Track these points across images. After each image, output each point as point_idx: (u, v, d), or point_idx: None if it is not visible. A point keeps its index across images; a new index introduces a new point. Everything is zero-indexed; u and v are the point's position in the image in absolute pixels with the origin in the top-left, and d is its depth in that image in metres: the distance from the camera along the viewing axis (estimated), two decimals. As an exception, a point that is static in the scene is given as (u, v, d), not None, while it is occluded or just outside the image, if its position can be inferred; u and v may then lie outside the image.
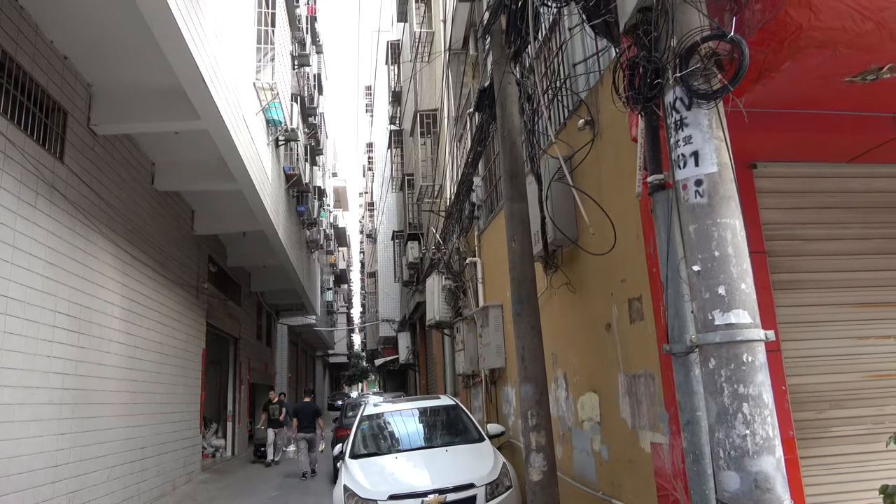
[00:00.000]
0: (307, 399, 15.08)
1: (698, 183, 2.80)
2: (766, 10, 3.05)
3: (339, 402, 29.76)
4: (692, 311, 2.91)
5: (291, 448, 14.65)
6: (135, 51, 7.60)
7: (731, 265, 2.69)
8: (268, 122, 12.25)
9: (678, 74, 2.87)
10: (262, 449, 16.89)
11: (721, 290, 2.67)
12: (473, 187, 10.42)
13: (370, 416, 8.37)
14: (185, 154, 10.63)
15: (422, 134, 15.81)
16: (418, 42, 15.79)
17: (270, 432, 16.61)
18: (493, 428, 8.03)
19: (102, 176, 8.79)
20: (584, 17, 4.41)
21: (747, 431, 2.54)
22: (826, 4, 2.90)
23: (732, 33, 2.78)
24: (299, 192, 17.54)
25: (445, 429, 8.07)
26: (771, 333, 2.68)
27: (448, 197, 12.85)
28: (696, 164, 2.82)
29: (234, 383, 18.44)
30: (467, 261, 11.16)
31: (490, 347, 8.82)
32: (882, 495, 3.09)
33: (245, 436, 19.70)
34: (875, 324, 4.44)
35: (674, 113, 2.93)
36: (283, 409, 16.81)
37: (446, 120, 13.58)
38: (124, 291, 9.65)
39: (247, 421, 20.10)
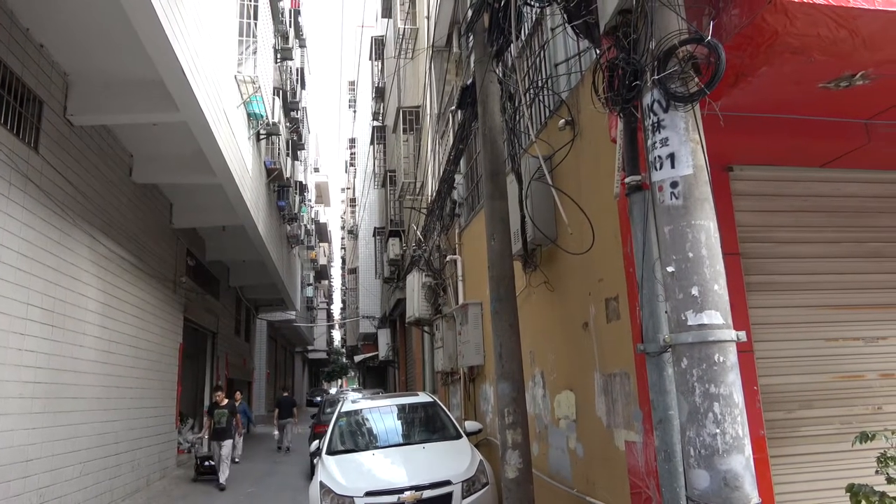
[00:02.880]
0: (286, 394, 19.67)
1: (674, 185, 2.83)
2: (743, 15, 3.09)
3: (318, 399, 29.65)
4: (666, 312, 2.94)
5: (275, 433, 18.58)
6: (113, 41, 7.49)
7: (705, 266, 2.73)
8: (249, 115, 12.14)
9: (656, 77, 2.89)
10: (208, 464, 12.98)
11: (694, 291, 2.71)
12: (455, 185, 10.43)
13: (347, 413, 8.35)
14: (164, 146, 10.50)
15: (404, 130, 15.79)
16: (402, 38, 15.75)
17: (215, 446, 12.62)
18: (471, 425, 8.06)
19: (79, 167, 8.66)
20: (566, 17, 4.43)
21: (717, 430, 2.57)
22: (801, 11, 2.95)
23: (710, 37, 2.81)
24: (280, 187, 17.43)
25: (423, 426, 8.08)
26: (742, 334, 2.72)
27: (429, 194, 12.85)
28: (673, 166, 2.85)
29: (211, 378, 18.27)
30: (448, 258, 11.18)
31: (469, 345, 8.84)
32: (848, 494, 3.16)
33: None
34: (844, 326, 4.53)
35: (651, 115, 2.96)
36: (238, 415, 13.35)
37: (429, 117, 13.57)
38: (100, 285, 9.52)
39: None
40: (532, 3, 5.19)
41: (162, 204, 12.63)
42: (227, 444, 12.57)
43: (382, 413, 8.46)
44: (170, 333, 13.43)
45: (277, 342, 36.59)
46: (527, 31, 6.82)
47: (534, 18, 6.70)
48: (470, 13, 6.14)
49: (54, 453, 7.91)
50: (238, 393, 16.09)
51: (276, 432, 18.80)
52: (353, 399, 9.33)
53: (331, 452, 7.27)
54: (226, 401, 12.89)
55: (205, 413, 13.41)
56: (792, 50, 3.19)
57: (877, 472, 3.28)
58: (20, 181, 7.08)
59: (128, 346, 10.76)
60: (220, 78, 9.44)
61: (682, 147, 2.84)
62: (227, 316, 20.31)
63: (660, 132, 2.91)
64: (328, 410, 13.93)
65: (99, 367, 9.44)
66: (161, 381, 12.68)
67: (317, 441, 8.20)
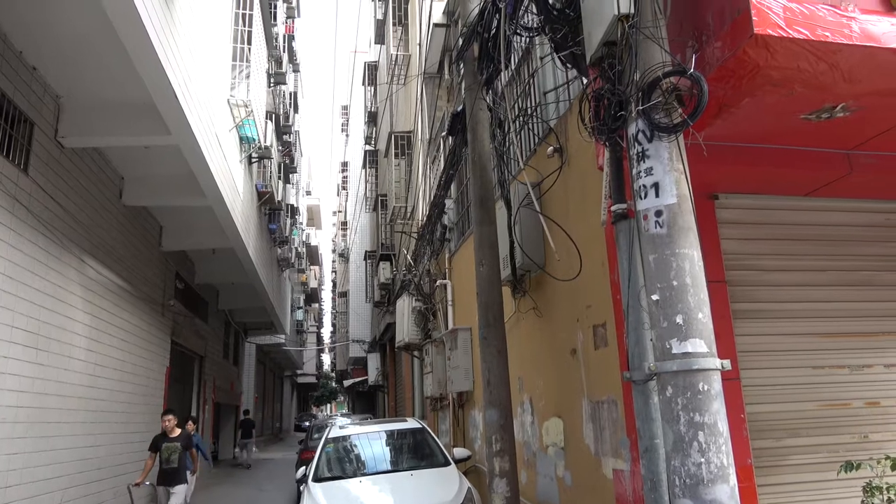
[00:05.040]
0: (247, 416, 22.56)
1: (658, 213, 2.86)
2: (725, 48, 3.15)
3: (307, 424, 29.35)
4: (652, 340, 2.95)
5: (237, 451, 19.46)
6: (106, 64, 7.52)
7: (689, 295, 2.75)
8: (241, 139, 12.18)
9: (640, 107, 2.95)
10: None
11: (679, 319, 2.72)
12: (445, 210, 10.48)
13: (335, 439, 8.26)
14: (154, 169, 10.49)
15: (396, 155, 15.87)
16: (395, 64, 15.92)
17: (161, 493, 8.96)
18: (459, 452, 7.98)
19: (69, 189, 8.63)
20: (554, 47, 4.51)
21: (702, 460, 2.57)
22: (782, 45, 3.01)
23: (693, 70, 2.87)
24: (271, 210, 17.42)
25: (411, 452, 8.00)
26: (727, 363, 2.73)
27: (420, 218, 12.89)
28: (657, 196, 2.89)
29: (198, 403, 18.03)
30: (437, 283, 11.17)
31: (458, 370, 8.81)
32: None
33: (210, 457, 19.25)
34: (830, 354, 4.56)
35: (636, 144, 3.01)
36: (193, 450, 9.48)
37: (420, 142, 13.67)
38: (87, 307, 9.43)
39: (210, 442, 19.65)
40: (521, 32, 5.27)
41: (151, 226, 12.59)
42: (180, 490, 8.83)
43: (370, 439, 8.37)
44: (157, 357, 13.28)
45: (266, 366, 36.24)
46: (516, 60, 6.92)
47: (523, 47, 6.81)
48: (460, 42, 6.23)
49: (35, 479, 7.75)
50: (191, 422, 11.90)
51: (238, 450, 21.14)
52: (340, 425, 9.24)
53: (317, 479, 7.17)
54: (177, 431, 9.02)
55: (150, 448, 9.10)
56: (773, 83, 3.26)
57: (862, 501, 3.28)
58: (8, 203, 7.05)
59: (114, 369, 10.62)
60: (213, 102, 9.49)
61: (667, 176, 2.88)
62: (215, 339, 20.13)
63: (644, 161, 2.95)
64: (316, 436, 13.76)
65: (84, 391, 9.31)
66: (147, 405, 12.50)
67: (303, 468, 8.09)
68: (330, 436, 8.32)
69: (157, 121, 7.93)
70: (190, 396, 17.85)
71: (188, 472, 9.06)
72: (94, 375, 9.73)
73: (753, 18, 2.94)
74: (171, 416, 9.02)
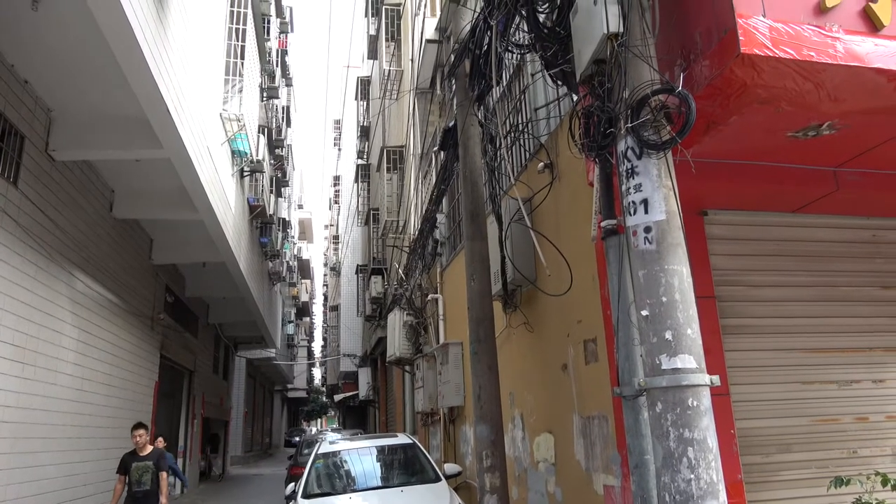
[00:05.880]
0: (215, 433, 23.61)
1: (647, 230, 2.88)
2: (713, 67, 3.20)
3: (296, 439, 29.10)
4: (641, 355, 2.96)
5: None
6: (99, 78, 7.52)
7: (678, 311, 2.77)
8: (233, 152, 12.18)
9: (629, 125, 2.98)
10: None
11: (668, 335, 2.74)
12: (437, 224, 10.49)
13: (325, 455, 8.18)
14: (145, 182, 10.47)
15: (388, 169, 15.91)
16: (387, 79, 16.00)
17: None
18: (450, 468, 7.93)
19: (59, 202, 8.59)
20: (544, 65, 4.55)
21: (692, 476, 2.57)
22: (768, 65, 3.06)
23: (680, 88, 2.91)
24: (263, 224, 17.38)
25: (402, 468, 7.94)
26: (716, 378, 2.74)
27: (412, 233, 12.90)
28: (646, 212, 2.91)
29: (186, 418, 17.86)
30: (429, 297, 11.16)
31: (449, 385, 8.78)
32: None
33: (197, 473, 19.03)
34: (819, 369, 4.58)
35: (625, 161, 3.03)
36: (166, 471, 7.92)
37: (412, 156, 13.71)
38: (75, 321, 9.35)
39: (198, 457, 19.44)
40: (512, 49, 5.32)
41: (142, 239, 12.53)
42: None
43: (361, 455, 8.29)
44: (145, 371, 13.16)
45: (256, 380, 35.96)
46: (507, 77, 6.98)
47: (514, 64, 6.87)
48: (452, 58, 6.28)
49: (20, 496, 7.63)
50: (160, 439, 10.62)
51: (203, 464, 21.30)
52: (331, 440, 9.15)
53: (307, 496, 7.09)
54: (149, 448, 7.84)
55: (118, 470, 7.75)
56: (760, 101, 3.30)
57: (852, 517, 3.28)
58: (-3, 216, 7.01)
59: (101, 384, 10.51)
60: (205, 115, 9.50)
61: (655, 193, 2.90)
62: (205, 353, 19.98)
63: (633, 178, 2.97)
64: (305, 451, 13.64)
65: (71, 405, 9.21)
66: (135, 419, 12.27)
67: (292, 483, 8.00)
68: (320, 451, 8.25)
69: (148, 134, 7.92)
70: (179, 411, 17.69)
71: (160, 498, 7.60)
72: (82, 390, 9.63)
73: (740, 38, 2.98)
74: (142, 431, 7.81)
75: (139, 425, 7.94)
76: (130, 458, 7.68)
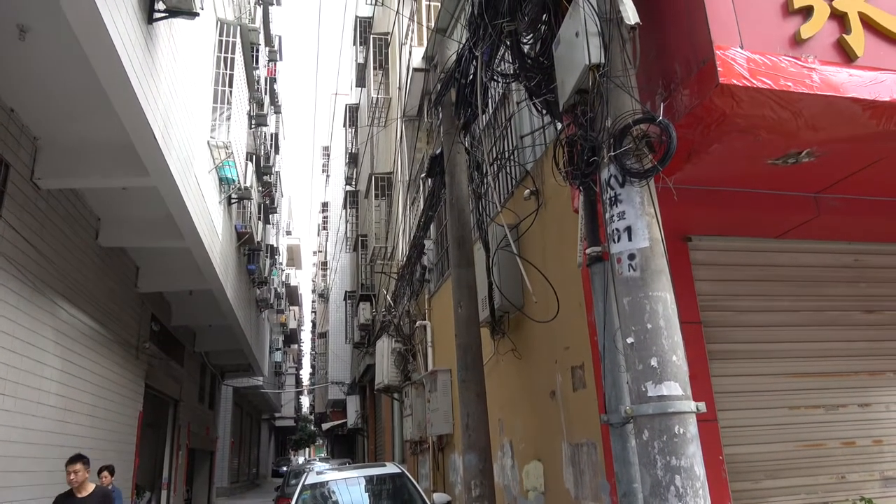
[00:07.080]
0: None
1: (631, 257, 2.91)
2: (693, 96, 3.26)
3: (284, 468, 28.63)
4: (627, 382, 2.96)
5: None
6: (86, 106, 7.52)
7: (663, 337, 2.77)
8: (221, 180, 12.16)
9: (612, 153, 3.01)
10: None
11: (653, 362, 2.74)
12: (425, 250, 10.50)
13: (312, 486, 8.06)
14: (132, 210, 10.41)
15: (376, 196, 15.95)
16: (375, 107, 16.14)
17: None
18: (439, 497, 7.81)
19: (43, 231, 8.52)
20: (529, 94, 4.62)
21: (680, 504, 2.55)
22: (746, 94, 3.12)
23: (661, 117, 2.96)
24: (251, 251, 17.30)
25: (390, 499, 7.83)
26: (702, 405, 2.74)
27: (400, 259, 12.89)
28: (630, 239, 2.93)
29: (171, 448, 17.53)
30: (417, 324, 11.12)
31: (438, 413, 8.70)
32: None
33: (181, 505, 18.64)
34: (806, 394, 4.59)
35: (609, 189, 3.06)
36: None
37: (400, 183, 13.77)
38: (58, 351, 9.20)
39: (183, 489, 19.05)
40: (497, 79, 5.40)
41: (128, 267, 12.42)
42: None
43: (348, 485, 8.18)
44: (129, 401, 12.94)
45: (243, 409, 35.46)
46: (493, 105, 7.06)
47: (500, 93, 6.95)
48: (439, 87, 6.35)
49: (-3, 532, 7.44)
50: (105, 473, 8.57)
51: (188, 494, 20.34)
52: (318, 470, 9.03)
53: (293, 528, 6.97)
54: (90, 487, 6.43)
55: None
56: (740, 129, 3.36)
57: (841, 544, 3.27)
58: (-20, 245, 6.94)
59: (85, 415, 10.32)
60: (193, 143, 9.50)
61: (639, 220, 2.93)
62: (190, 382, 19.70)
63: (617, 206, 3.00)
64: (292, 482, 13.42)
65: (53, 437, 9.01)
66: (118, 451, 12.12)
67: (278, 516, 7.87)
68: (307, 482, 8.12)
69: (135, 162, 7.90)
70: (163, 441, 17.38)
71: None
72: (64, 422, 9.45)
73: (719, 69, 3.05)
74: (78, 466, 6.33)
75: (76, 458, 6.44)
76: (65, 501, 6.30)
